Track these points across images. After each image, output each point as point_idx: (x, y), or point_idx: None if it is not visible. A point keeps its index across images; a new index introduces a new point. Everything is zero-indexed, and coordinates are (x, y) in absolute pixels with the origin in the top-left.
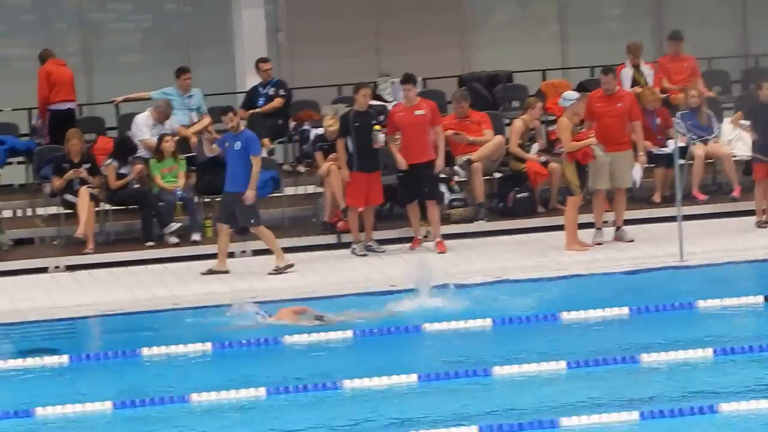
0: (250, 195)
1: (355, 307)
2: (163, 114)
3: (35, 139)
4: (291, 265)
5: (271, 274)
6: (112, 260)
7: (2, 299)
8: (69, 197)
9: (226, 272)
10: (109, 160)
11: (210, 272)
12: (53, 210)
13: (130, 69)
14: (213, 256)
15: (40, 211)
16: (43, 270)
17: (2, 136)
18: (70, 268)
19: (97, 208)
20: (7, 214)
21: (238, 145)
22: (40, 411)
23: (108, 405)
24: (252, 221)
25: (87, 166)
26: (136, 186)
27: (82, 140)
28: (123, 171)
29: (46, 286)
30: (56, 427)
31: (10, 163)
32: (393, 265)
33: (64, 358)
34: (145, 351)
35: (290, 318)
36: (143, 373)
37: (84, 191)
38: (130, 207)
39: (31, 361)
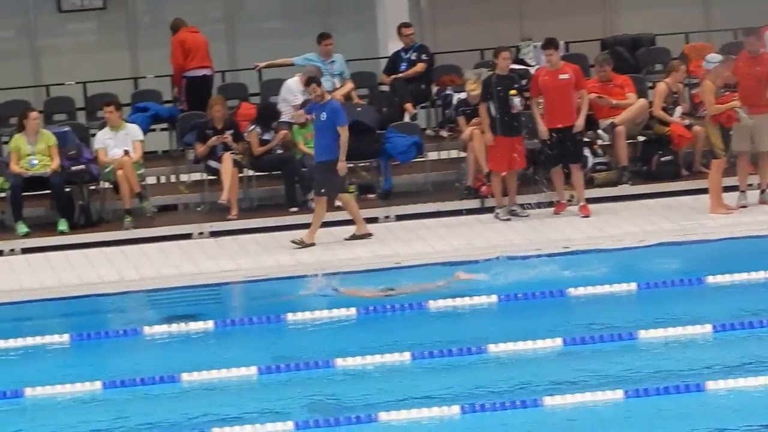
0: (342, 167)
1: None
2: None
3: (178, 106)
4: (370, 235)
5: (347, 239)
6: (255, 226)
7: (147, 265)
8: (212, 163)
9: (370, 235)
10: (252, 126)
11: (353, 238)
12: (197, 176)
13: (272, 35)
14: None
15: (183, 177)
16: (187, 236)
17: (145, 103)
18: (214, 234)
19: (240, 174)
20: (151, 180)
21: (323, 115)
22: (185, 376)
23: (253, 370)
24: (322, 191)
25: (230, 132)
26: (280, 152)
27: (225, 106)
28: (266, 137)
29: (190, 253)
30: (202, 392)
31: (154, 130)
32: (537, 229)
33: (209, 324)
34: (290, 316)
35: (361, 292)
36: (288, 339)
37: (227, 157)
38: (273, 173)
39: (176, 327)
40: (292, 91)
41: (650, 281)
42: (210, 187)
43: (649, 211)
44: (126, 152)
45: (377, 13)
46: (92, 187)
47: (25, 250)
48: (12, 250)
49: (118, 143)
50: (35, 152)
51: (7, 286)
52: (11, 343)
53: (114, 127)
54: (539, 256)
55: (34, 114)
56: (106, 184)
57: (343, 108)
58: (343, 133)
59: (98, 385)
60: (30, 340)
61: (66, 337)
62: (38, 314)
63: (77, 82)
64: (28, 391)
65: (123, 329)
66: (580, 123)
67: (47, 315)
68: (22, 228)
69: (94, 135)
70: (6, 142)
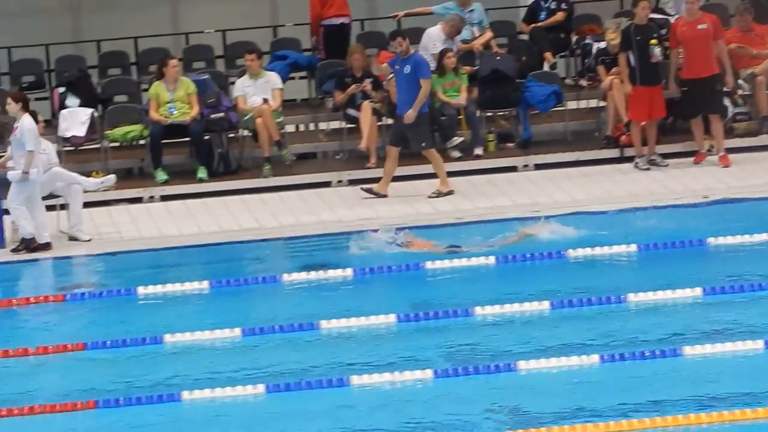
0: (410, 114)
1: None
2: (455, 29)
3: (317, 54)
4: (451, 192)
5: (431, 197)
6: (394, 174)
7: (286, 213)
8: (351, 112)
9: (385, 196)
10: (391, 75)
11: (438, 195)
12: (335, 124)
13: None
14: (493, 170)
15: (322, 125)
16: (326, 184)
17: (284, 52)
18: (353, 182)
19: (379, 123)
20: (290, 128)
21: (407, 68)
22: (324, 324)
23: (392, 318)
24: (423, 144)
25: (369, 80)
26: None
27: (365, 55)
28: None
29: (329, 200)
30: (340, 339)
31: (293, 78)
32: (677, 178)
33: (348, 272)
34: (428, 264)
35: (426, 246)
36: (427, 287)
37: (366, 106)
38: None
39: (314, 275)
40: (433, 40)
41: None
42: (348, 136)
43: None
44: (265, 100)
45: None
46: (231, 135)
47: (165, 198)
48: (151, 198)
49: (258, 91)
50: (174, 100)
51: (146, 233)
52: (151, 289)
53: (253, 75)
54: (679, 206)
55: (173, 62)
56: (245, 132)
57: (482, 56)
58: (425, 85)
59: (237, 332)
60: (170, 287)
61: (205, 284)
62: (177, 261)
63: (216, 30)
64: (168, 338)
65: (262, 276)
66: (729, 80)
67: (186, 262)
68: (161, 175)
69: (233, 83)
70: (146, 90)
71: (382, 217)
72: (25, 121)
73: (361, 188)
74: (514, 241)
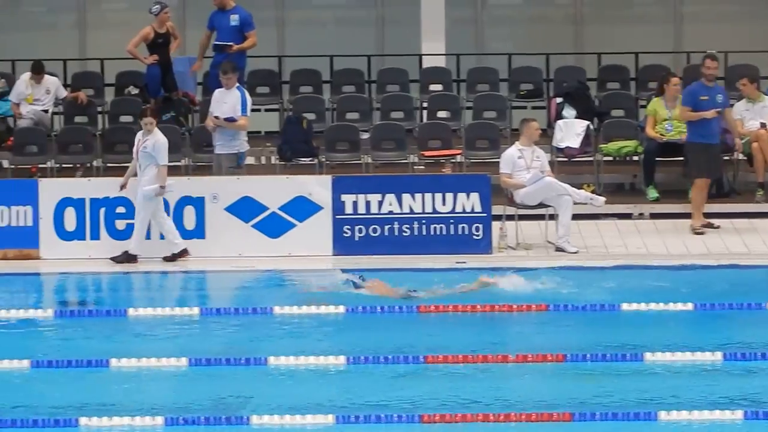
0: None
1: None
2: None
3: None
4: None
5: None
6: None
7: None
8: None
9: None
10: None
11: None
12: None
13: None
14: None
15: None
16: None
17: None
18: None
19: None
20: None
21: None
22: None
23: None
24: None
25: None
26: None
27: None
28: None
29: None
30: None
31: None
32: None
33: None
34: None
35: (382, 290)
36: None
37: None
38: None
39: None
40: None
41: None
42: None
43: None
44: (763, 125)
45: None
46: (726, 158)
47: (654, 215)
48: (641, 214)
49: (755, 115)
50: (672, 118)
51: (633, 249)
52: (634, 306)
53: (751, 98)
54: None
55: (675, 80)
56: (741, 156)
57: None
58: None
59: (718, 356)
60: (653, 306)
61: (689, 306)
62: (657, 280)
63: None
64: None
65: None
66: None
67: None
68: (652, 193)
69: None
70: (643, 106)
71: None
72: (159, 136)
73: None
74: (473, 289)
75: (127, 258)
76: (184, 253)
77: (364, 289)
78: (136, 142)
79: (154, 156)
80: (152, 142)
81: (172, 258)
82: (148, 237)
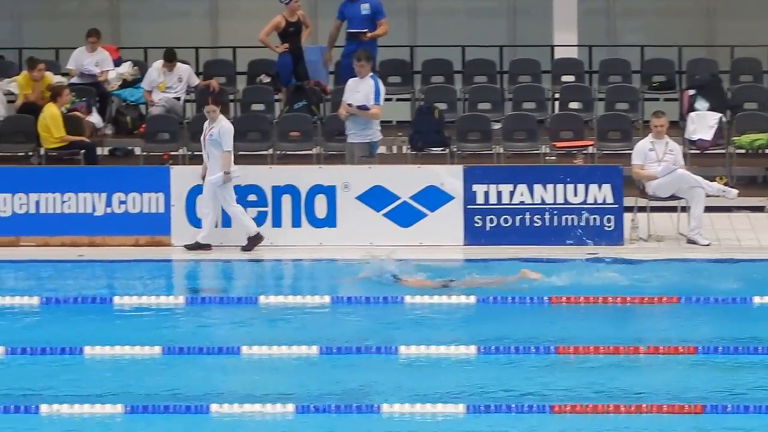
0: None
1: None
2: None
3: None
4: None
5: None
6: None
7: None
8: None
9: None
10: None
11: None
12: None
13: None
14: None
15: None
16: None
17: None
18: None
19: None
20: None
21: None
22: None
23: None
24: None
25: None
26: None
27: None
28: None
29: None
30: None
31: None
32: None
33: None
34: None
35: (418, 283)
36: None
37: None
38: None
39: None
40: None
41: None
42: None
43: None
44: None
45: None
46: None
47: None
48: None
49: None
50: None
51: (765, 242)
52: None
53: None
54: None
55: None
56: None
57: None
58: None
59: None
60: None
61: None
62: None
63: None
64: None
65: None
66: None
67: None
68: None
69: None
70: None
71: None
72: (224, 122)
73: None
74: (514, 280)
75: (200, 247)
76: (258, 238)
77: (402, 282)
78: (203, 131)
79: (220, 142)
80: (218, 128)
81: (248, 247)
82: (227, 225)
